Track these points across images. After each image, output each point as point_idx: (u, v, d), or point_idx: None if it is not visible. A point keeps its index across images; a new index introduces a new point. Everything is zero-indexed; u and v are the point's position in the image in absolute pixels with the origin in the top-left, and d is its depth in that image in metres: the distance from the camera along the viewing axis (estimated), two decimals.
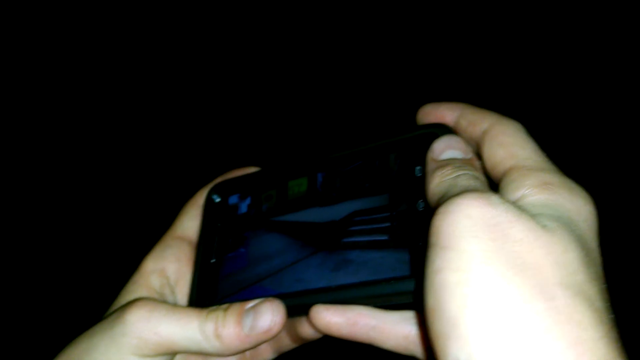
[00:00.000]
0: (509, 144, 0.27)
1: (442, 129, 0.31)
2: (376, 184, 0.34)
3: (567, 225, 0.23)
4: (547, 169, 0.25)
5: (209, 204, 0.39)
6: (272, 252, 0.36)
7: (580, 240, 0.22)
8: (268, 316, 0.32)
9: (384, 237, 0.32)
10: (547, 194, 0.24)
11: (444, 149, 0.29)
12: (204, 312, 0.32)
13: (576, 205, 0.24)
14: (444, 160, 0.29)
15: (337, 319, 0.31)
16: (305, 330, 0.34)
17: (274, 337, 0.32)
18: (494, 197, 0.23)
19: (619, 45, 1.13)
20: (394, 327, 0.31)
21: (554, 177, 0.25)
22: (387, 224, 0.32)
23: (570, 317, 0.20)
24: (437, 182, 0.27)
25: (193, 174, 0.88)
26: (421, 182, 0.31)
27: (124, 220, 1.14)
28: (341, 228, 0.34)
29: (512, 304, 0.20)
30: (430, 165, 0.29)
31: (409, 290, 0.29)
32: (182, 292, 0.37)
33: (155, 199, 1.13)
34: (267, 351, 0.37)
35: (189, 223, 0.39)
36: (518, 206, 0.24)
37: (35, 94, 1.20)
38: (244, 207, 0.39)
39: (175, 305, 0.34)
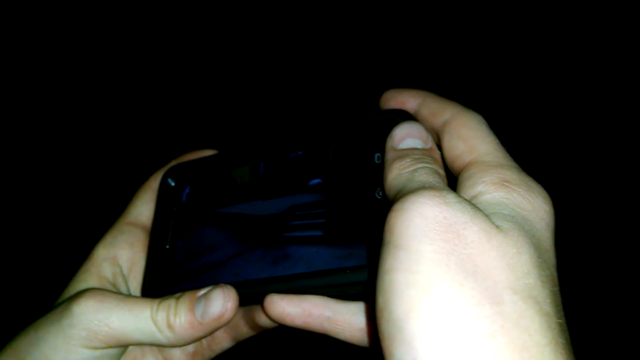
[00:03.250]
0: (469, 137, 0.26)
1: (403, 116, 0.30)
2: (318, 177, 0.33)
3: (521, 225, 0.22)
4: (506, 165, 0.25)
5: (163, 187, 0.38)
6: (210, 247, 0.35)
7: (534, 241, 0.22)
8: (219, 302, 0.31)
9: (319, 233, 0.32)
10: (504, 192, 0.23)
11: (404, 136, 0.28)
12: (156, 301, 0.31)
13: (533, 205, 0.23)
14: (403, 150, 0.28)
15: (291, 309, 0.31)
16: (263, 318, 0.34)
17: (227, 324, 0.32)
18: (449, 196, 0.22)
19: (606, 41, 1.13)
20: (349, 319, 0.31)
21: (513, 174, 0.24)
22: (323, 220, 0.32)
23: (517, 323, 0.20)
24: (394, 175, 0.26)
25: (148, 157, 0.85)
26: (380, 170, 0.30)
27: (71, 204, 1.10)
28: (281, 222, 0.34)
29: (459, 308, 0.20)
30: (389, 155, 0.28)
31: (364, 281, 0.29)
32: (136, 280, 0.36)
33: (107, 183, 1.09)
34: (225, 339, 0.36)
35: (143, 208, 0.37)
36: (474, 204, 0.23)
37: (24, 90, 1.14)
38: (184, 197, 0.38)
39: (126, 295, 0.33)
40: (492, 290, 0.20)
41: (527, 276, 0.21)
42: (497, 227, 0.22)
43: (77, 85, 1.17)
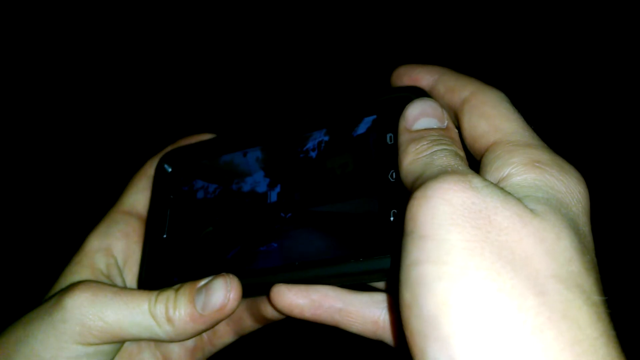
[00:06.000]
0: (492, 115, 0.25)
1: (417, 93, 0.28)
2: None
3: (557, 208, 0.20)
4: (535, 145, 0.23)
5: (160, 174, 0.36)
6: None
7: (572, 226, 0.20)
8: (221, 292, 0.29)
9: None
10: (536, 173, 0.22)
11: (418, 116, 0.26)
12: (154, 294, 0.30)
13: (567, 186, 0.21)
14: (418, 131, 0.26)
15: (300, 301, 0.29)
16: (269, 310, 0.32)
17: (229, 316, 0.30)
18: (475, 180, 0.21)
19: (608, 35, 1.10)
20: (361, 311, 0.29)
21: (543, 154, 0.22)
22: None
23: (565, 314, 0.18)
24: (411, 160, 0.24)
25: (143, 143, 0.82)
26: (392, 151, 0.28)
27: (61, 193, 1.05)
28: None
29: (500, 300, 0.18)
30: (403, 136, 0.26)
31: (380, 269, 0.27)
32: (132, 272, 0.34)
33: (100, 171, 1.05)
34: (227, 333, 0.34)
35: (138, 196, 0.35)
36: (503, 187, 0.22)
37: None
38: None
39: (122, 287, 0.31)
40: (534, 279, 0.18)
41: (570, 263, 0.19)
42: (531, 211, 0.20)
43: (68, 72, 1.14)
